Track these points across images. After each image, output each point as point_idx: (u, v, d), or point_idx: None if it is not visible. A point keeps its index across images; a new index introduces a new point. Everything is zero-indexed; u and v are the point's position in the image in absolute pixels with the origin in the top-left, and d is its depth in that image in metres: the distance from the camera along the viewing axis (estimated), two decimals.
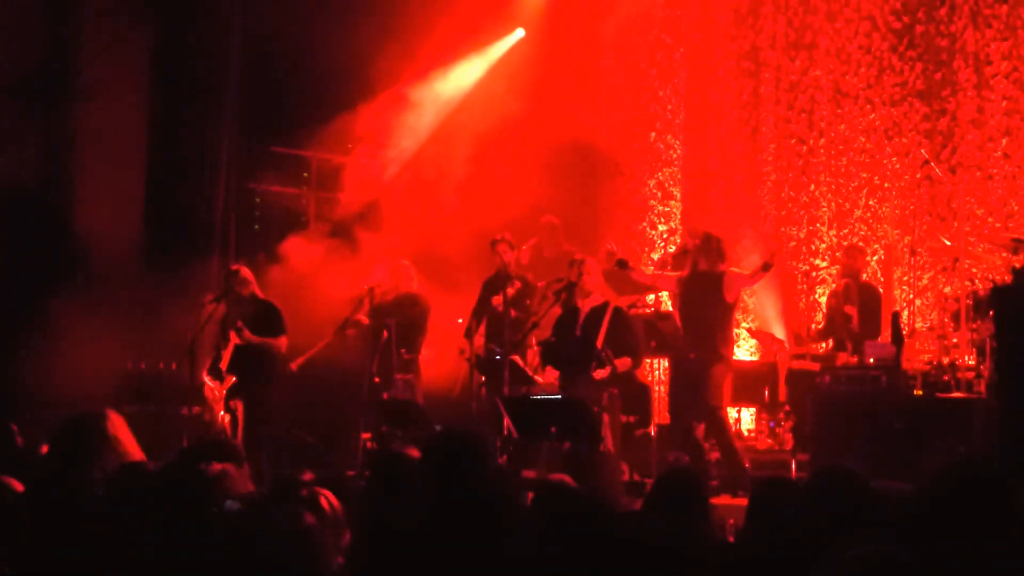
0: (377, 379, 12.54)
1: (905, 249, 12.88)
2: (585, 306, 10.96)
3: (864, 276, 13.13)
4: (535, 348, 12.12)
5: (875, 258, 14.07)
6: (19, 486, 5.63)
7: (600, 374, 10.62)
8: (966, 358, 11.16)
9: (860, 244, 13.67)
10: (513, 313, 12.03)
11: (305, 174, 15.66)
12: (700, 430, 11.19)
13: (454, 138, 14.79)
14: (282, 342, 11.92)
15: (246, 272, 12.00)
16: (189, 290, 13.11)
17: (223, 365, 11.66)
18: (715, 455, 11.46)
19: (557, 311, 11.78)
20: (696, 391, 10.96)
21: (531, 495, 5.19)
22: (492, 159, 14.37)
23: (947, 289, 12.60)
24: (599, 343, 10.59)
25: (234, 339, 11.64)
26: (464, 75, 15.57)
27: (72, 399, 10.53)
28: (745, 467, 10.98)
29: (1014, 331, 9.41)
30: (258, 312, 11.82)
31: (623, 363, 10.78)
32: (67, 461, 5.22)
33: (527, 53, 15.20)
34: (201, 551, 4.43)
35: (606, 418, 10.30)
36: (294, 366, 12.47)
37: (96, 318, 12.57)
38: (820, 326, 13.25)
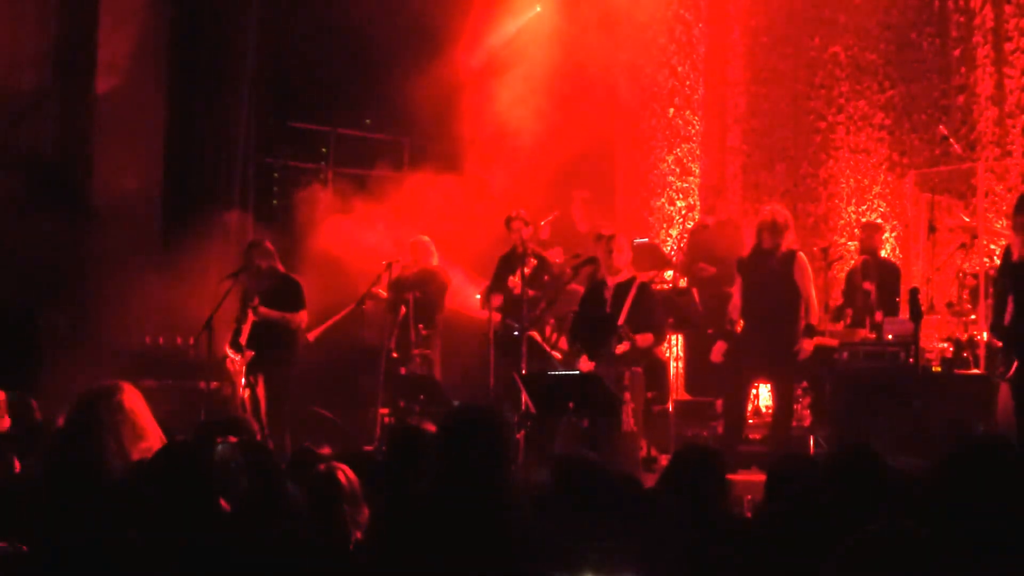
0: (395, 354, 12.57)
1: (924, 225, 12.81)
2: (612, 282, 10.85)
3: (883, 253, 13.08)
4: (552, 324, 12.11)
5: (894, 234, 14.01)
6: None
7: (620, 348, 10.50)
8: (984, 335, 11.11)
9: (879, 221, 13.62)
10: (531, 292, 12.00)
11: (323, 148, 15.67)
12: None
13: (466, 117, 14.77)
14: (301, 317, 11.90)
15: (268, 245, 11.98)
16: (207, 265, 13.13)
17: (243, 340, 11.68)
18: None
19: (574, 287, 11.75)
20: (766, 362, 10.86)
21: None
22: (505, 140, 14.33)
23: (966, 265, 12.54)
24: (622, 319, 10.50)
25: (252, 315, 11.66)
26: (479, 52, 15.53)
27: (90, 373, 10.56)
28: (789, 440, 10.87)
29: None
30: (278, 286, 11.80)
31: (644, 339, 10.56)
32: (83, 435, 5.22)
33: (545, 29, 15.14)
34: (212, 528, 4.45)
35: (628, 396, 10.21)
36: (311, 336, 12.47)
37: (113, 292, 12.61)
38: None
